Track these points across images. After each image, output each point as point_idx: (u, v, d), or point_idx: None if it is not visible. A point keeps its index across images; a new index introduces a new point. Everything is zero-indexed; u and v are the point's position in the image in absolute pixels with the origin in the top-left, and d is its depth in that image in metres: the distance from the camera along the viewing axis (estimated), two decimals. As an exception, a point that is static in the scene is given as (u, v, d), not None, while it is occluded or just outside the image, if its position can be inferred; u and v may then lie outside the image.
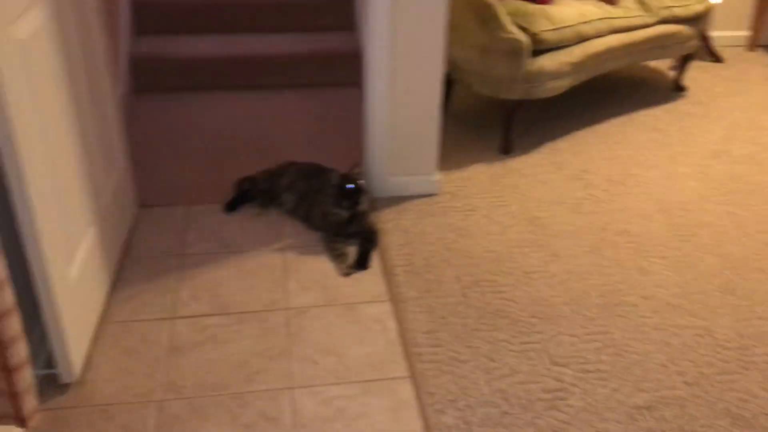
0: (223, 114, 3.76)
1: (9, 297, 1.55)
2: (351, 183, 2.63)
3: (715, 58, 4.55)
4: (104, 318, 2.32)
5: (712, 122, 3.75)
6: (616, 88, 4.10)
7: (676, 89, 4.09)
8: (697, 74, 4.32)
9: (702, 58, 4.52)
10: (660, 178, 3.22)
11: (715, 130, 3.67)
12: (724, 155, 3.42)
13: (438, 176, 3.03)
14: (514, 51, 3.12)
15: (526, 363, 2.19)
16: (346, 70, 4.05)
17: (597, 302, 2.45)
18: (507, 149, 3.37)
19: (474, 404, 2.05)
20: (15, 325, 1.57)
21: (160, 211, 2.89)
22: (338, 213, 2.68)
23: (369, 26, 2.73)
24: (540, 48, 3.20)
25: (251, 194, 2.93)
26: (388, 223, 2.85)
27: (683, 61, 4.02)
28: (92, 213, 2.26)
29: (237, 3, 4.15)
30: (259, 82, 4.03)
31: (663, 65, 4.42)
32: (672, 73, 4.27)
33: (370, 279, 2.54)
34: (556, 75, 3.26)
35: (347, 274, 2.55)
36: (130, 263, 2.58)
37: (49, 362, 2.07)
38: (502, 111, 3.37)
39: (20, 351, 1.60)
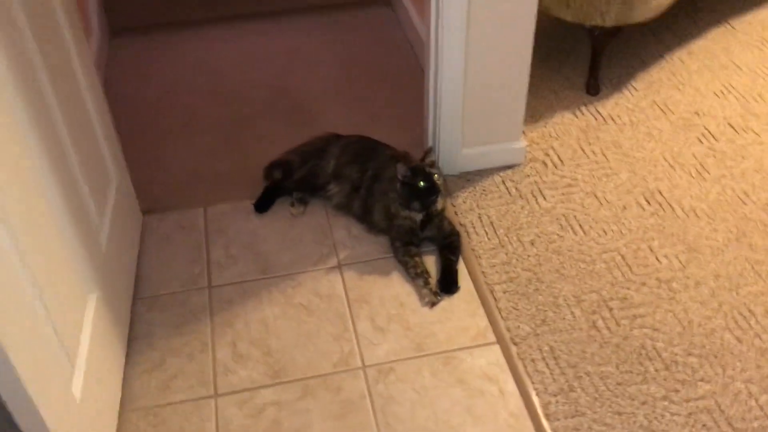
0: (225, 59, 2.98)
1: None
2: (424, 179, 1.97)
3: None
4: (125, 404, 1.72)
5: (832, 27, 3.03)
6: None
7: (778, -18, 3.32)
8: (795, -42, 3.52)
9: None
10: (791, 116, 2.56)
11: (837, 38, 2.96)
12: None
13: (524, 142, 2.35)
14: (614, -36, 2.35)
15: (701, 435, 1.64)
16: (371, -15, 3.24)
17: (765, 323, 1.87)
18: (595, 89, 2.66)
19: None
20: None
21: (171, 219, 2.21)
22: (409, 216, 2.03)
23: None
24: (642, -45, 2.43)
25: (286, 185, 2.26)
26: (469, 214, 2.20)
27: (788, -54, 3.23)
28: (92, 274, 1.61)
29: None
30: (264, 8, 3.21)
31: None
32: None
33: (464, 307, 1.94)
34: (661, -10, 2.50)
35: (433, 303, 1.94)
36: (143, 308, 1.95)
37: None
38: (590, 41, 2.63)
39: None
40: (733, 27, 3.04)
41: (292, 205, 2.22)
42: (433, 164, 2.01)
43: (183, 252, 2.10)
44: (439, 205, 2.03)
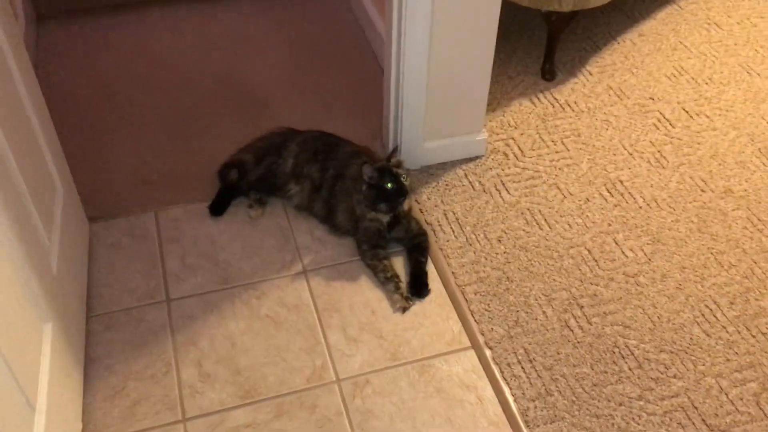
0: (165, 45, 2.80)
1: None
2: (391, 180, 1.90)
3: None
4: (85, 436, 1.62)
5: (773, 7, 3.08)
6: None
7: (719, -40, 3.34)
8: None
9: None
10: (741, 100, 2.59)
11: (779, 17, 3.02)
12: (804, 58, 2.80)
13: (485, 134, 2.30)
14: (573, -50, 2.30)
15: (678, 434, 1.66)
16: (316, -36, 3.09)
17: (730, 314, 1.91)
18: (551, 74, 2.63)
19: None
20: None
21: (119, 227, 2.07)
22: (375, 218, 1.96)
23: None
24: (598, -61, 2.39)
25: (243, 186, 2.15)
26: (434, 211, 2.15)
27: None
28: (45, 301, 1.48)
29: None
30: (203, -11, 3.04)
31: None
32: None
33: (436, 311, 1.90)
34: (617, -26, 2.48)
35: (405, 309, 1.89)
36: (98, 327, 1.83)
37: None
38: (545, 26, 2.59)
39: None
40: (680, 9, 3.05)
41: (250, 206, 2.11)
42: (399, 164, 1.95)
43: (135, 262, 1.98)
44: (405, 205, 1.97)
